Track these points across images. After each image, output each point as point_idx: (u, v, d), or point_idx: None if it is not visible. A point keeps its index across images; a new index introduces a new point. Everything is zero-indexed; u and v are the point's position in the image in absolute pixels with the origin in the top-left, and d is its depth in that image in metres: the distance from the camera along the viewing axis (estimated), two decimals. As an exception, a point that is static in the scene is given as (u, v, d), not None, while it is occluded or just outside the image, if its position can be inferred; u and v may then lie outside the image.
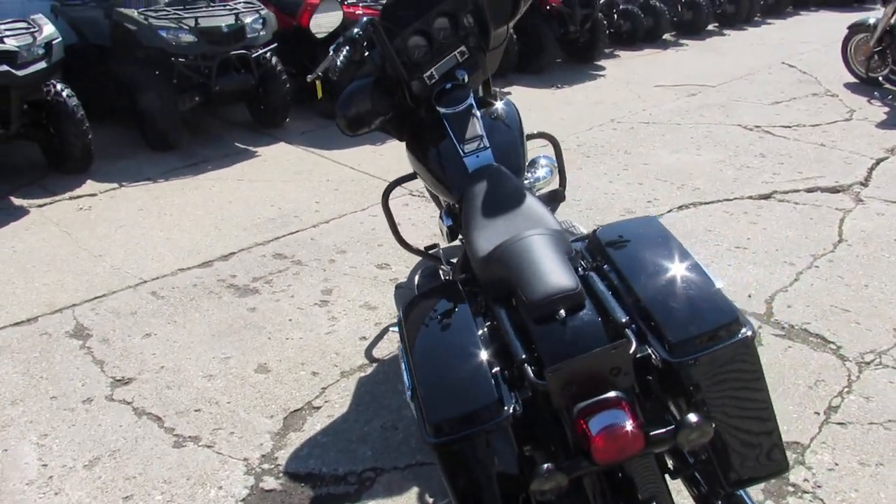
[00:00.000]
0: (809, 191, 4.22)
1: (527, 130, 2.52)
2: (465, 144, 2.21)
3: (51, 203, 4.25)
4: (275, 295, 3.19)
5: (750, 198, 4.15)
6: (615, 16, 8.81)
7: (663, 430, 1.35)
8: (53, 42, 4.17)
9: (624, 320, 1.44)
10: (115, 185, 4.56)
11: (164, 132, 5.05)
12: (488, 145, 2.20)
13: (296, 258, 3.55)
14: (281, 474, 2.17)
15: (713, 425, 1.34)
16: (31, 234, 3.84)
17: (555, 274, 1.51)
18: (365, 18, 2.32)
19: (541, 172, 2.64)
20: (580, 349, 1.36)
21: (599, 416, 1.32)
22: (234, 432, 2.34)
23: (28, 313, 3.07)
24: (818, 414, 2.36)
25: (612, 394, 1.34)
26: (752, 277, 3.23)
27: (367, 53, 2.31)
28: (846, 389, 2.47)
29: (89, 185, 4.53)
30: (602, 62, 8.23)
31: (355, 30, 2.25)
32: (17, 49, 3.95)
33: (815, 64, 7.71)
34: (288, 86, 5.44)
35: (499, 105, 2.39)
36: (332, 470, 2.18)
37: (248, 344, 2.82)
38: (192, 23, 4.82)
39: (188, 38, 4.81)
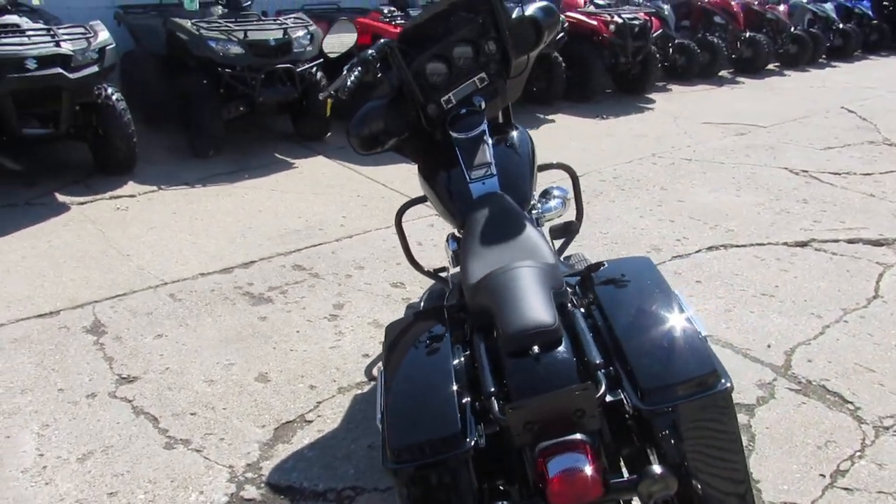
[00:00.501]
0: (850, 242, 4.05)
1: (561, 160, 2.49)
2: (473, 171, 2.20)
3: (91, 202, 4.43)
4: (287, 306, 3.23)
5: (785, 244, 4.01)
6: (670, 50, 8.74)
7: (625, 479, 1.31)
8: (107, 48, 4.36)
9: (598, 362, 1.40)
10: (155, 187, 4.72)
11: (207, 139, 5.21)
12: (495, 173, 2.19)
13: (314, 271, 3.60)
14: (262, 484, 2.18)
15: (677, 479, 1.29)
16: (68, 231, 4.00)
17: (534, 308, 1.48)
18: (382, 40, 2.35)
19: (552, 203, 2.60)
20: (548, 387, 1.34)
21: (560, 458, 1.29)
22: (225, 439, 2.37)
23: (52, 306, 3.18)
24: (823, 476, 2.24)
25: (576, 436, 1.30)
26: (774, 327, 3.11)
27: (379, 75, 2.33)
28: (858, 454, 2.34)
29: (130, 187, 4.70)
30: (652, 95, 8.14)
31: (369, 51, 2.28)
32: (71, 53, 4.15)
33: (876, 111, 7.45)
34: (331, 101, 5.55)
35: (514, 133, 2.38)
36: (312, 485, 2.18)
37: (253, 352, 2.86)
38: (240, 35, 4.98)
39: (236, 49, 4.97)
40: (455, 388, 1.43)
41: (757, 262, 3.77)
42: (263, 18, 5.49)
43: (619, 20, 7.33)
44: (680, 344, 1.43)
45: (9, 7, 4.45)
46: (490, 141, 2.27)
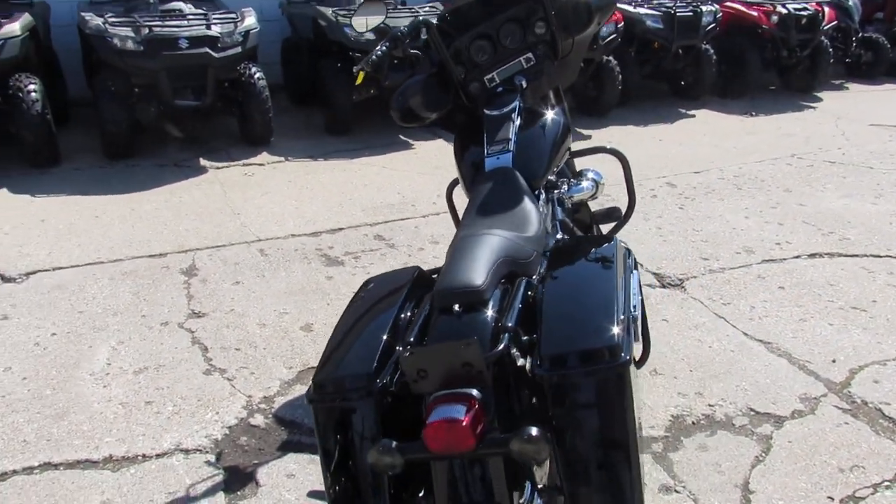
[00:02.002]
0: None
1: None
2: (492, 146, 2.26)
3: (226, 167, 5.01)
4: (354, 269, 3.48)
5: (909, 258, 3.55)
6: (853, 45, 7.86)
7: (499, 436, 1.35)
8: (251, 31, 4.90)
9: (509, 325, 1.44)
10: (283, 158, 5.22)
11: (338, 118, 5.64)
12: (511, 149, 2.23)
13: (391, 241, 3.81)
14: (270, 415, 2.42)
15: (549, 445, 1.31)
16: (199, 189, 4.58)
17: (469, 271, 1.55)
18: (420, 18, 2.48)
19: (583, 184, 2.58)
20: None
21: (443, 407, 1.35)
22: (255, 373, 2.65)
23: (162, 249, 3.70)
24: (831, 499, 2.03)
25: (468, 391, 1.36)
26: (849, 342, 2.81)
27: (412, 51, 2.45)
28: (887, 483, 2.09)
29: (263, 156, 5.24)
30: (822, 94, 7.40)
31: (401, 27, 2.41)
32: (219, 35, 4.73)
33: None
34: (457, 87, 5.74)
35: (548, 115, 2.38)
36: (311, 423, 2.38)
37: (308, 305, 3.13)
38: (373, 22, 5.31)
39: (368, 35, 5.30)
40: (386, 337, 1.54)
41: (863, 274, 3.38)
42: (400, 7, 5.80)
43: (784, 10, 6.74)
44: (591, 317, 1.42)
45: (179, -5, 5.16)
46: (517, 119, 2.31)
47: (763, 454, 2.22)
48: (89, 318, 3.02)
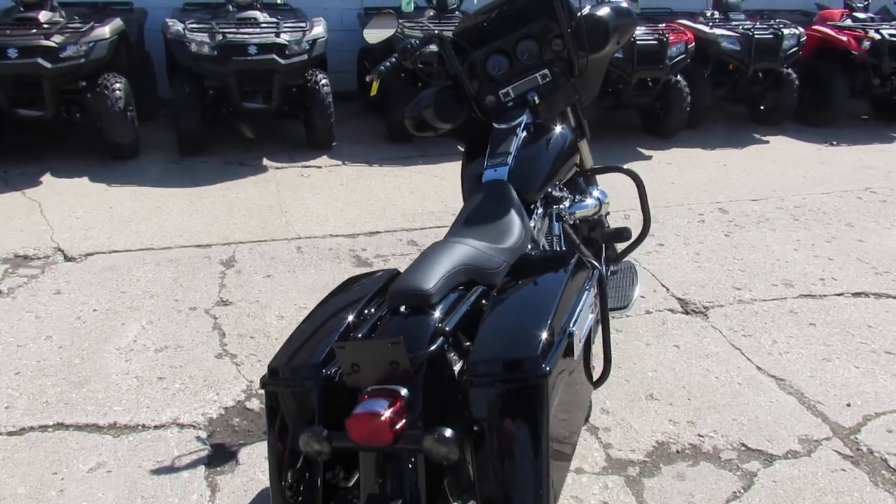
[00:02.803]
0: None
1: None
2: (493, 158, 2.31)
3: (286, 168, 5.26)
4: (380, 272, 3.59)
5: (967, 305, 3.29)
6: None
7: (413, 432, 1.41)
8: (318, 40, 5.14)
9: (447, 329, 1.50)
10: (340, 162, 5.42)
11: (399, 126, 5.79)
12: (509, 163, 2.27)
13: (422, 247, 3.90)
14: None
15: (459, 449, 1.34)
16: (256, 187, 4.83)
17: (423, 275, 1.62)
18: (435, 31, 2.56)
19: (587, 201, 2.58)
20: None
21: (369, 400, 1.43)
22: (262, 360, 2.80)
23: (209, 240, 3.94)
24: (802, 544, 1.94)
25: (399, 389, 1.43)
26: (871, 387, 2.65)
27: (420, 64, 2.54)
28: (870, 535, 1.97)
29: (323, 160, 5.46)
30: (919, 126, 6.92)
31: (412, 40, 2.50)
32: (286, 43, 4.99)
33: None
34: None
35: (555, 131, 2.41)
36: (301, 413, 2.49)
37: (327, 303, 3.26)
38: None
39: (432, 47, 5.43)
40: (343, 331, 1.62)
41: (908, 317, 3.17)
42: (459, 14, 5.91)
43: (877, 36, 6.37)
44: (520, 328, 1.46)
45: (256, 4, 5.47)
46: (522, 134, 2.35)
47: (742, 491, 2.14)
48: (129, 298, 3.27)
